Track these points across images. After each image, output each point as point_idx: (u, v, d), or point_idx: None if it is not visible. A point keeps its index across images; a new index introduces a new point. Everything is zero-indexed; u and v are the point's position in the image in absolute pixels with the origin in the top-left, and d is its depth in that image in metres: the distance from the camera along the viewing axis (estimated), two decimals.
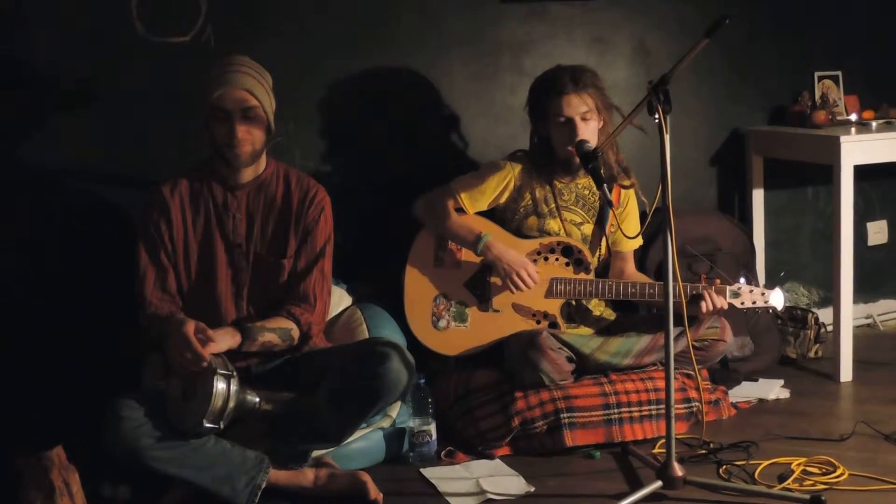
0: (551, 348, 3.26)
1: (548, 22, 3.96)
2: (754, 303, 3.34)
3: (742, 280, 3.40)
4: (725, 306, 3.31)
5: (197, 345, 2.79)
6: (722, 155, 4.33)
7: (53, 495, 2.72)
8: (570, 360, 3.32)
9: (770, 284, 3.72)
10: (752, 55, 4.30)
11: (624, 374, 3.39)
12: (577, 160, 3.30)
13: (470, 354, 3.46)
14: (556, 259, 3.47)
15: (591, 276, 3.46)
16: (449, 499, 2.98)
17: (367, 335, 3.33)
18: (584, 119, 3.34)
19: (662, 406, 3.12)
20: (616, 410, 3.30)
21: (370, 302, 3.52)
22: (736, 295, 3.33)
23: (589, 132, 3.34)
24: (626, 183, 3.52)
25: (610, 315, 3.62)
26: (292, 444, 2.99)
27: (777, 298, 3.35)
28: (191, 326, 2.81)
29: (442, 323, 3.48)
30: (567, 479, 3.10)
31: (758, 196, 4.33)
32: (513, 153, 3.57)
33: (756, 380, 3.86)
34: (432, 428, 3.25)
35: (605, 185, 3.08)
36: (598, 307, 3.59)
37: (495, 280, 3.44)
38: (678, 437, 3.20)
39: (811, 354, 4.14)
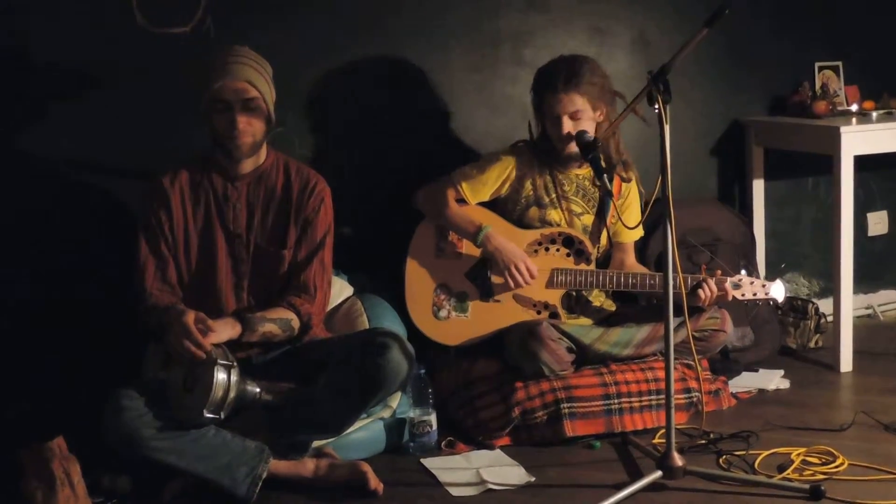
0: (551, 338, 3.26)
1: (547, 12, 3.95)
2: (755, 294, 3.34)
3: (743, 271, 3.39)
4: (728, 298, 3.31)
5: (197, 335, 2.79)
6: (722, 145, 4.32)
7: (54, 486, 2.72)
8: (570, 350, 3.32)
9: (770, 275, 3.72)
10: (753, 45, 4.28)
11: (624, 364, 3.39)
12: (577, 150, 3.29)
13: (470, 345, 3.46)
14: (557, 250, 3.46)
15: (592, 266, 3.46)
16: (449, 489, 2.99)
17: (367, 325, 3.33)
18: (572, 118, 3.33)
19: (662, 396, 3.11)
20: (616, 400, 3.30)
21: (370, 292, 3.52)
22: (737, 286, 3.33)
23: (578, 129, 3.32)
24: (626, 176, 3.51)
25: (610, 306, 3.62)
26: (292, 435, 2.99)
27: (778, 290, 3.34)
28: (191, 316, 2.82)
29: (443, 313, 3.47)
30: (567, 469, 3.11)
31: (758, 186, 4.33)
32: (514, 143, 3.57)
33: (756, 370, 3.87)
34: (433, 418, 3.25)
35: (604, 175, 3.09)
36: (598, 298, 3.59)
37: (495, 272, 3.44)
38: (678, 427, 3.20)
39: (811, 345, 4.14)
